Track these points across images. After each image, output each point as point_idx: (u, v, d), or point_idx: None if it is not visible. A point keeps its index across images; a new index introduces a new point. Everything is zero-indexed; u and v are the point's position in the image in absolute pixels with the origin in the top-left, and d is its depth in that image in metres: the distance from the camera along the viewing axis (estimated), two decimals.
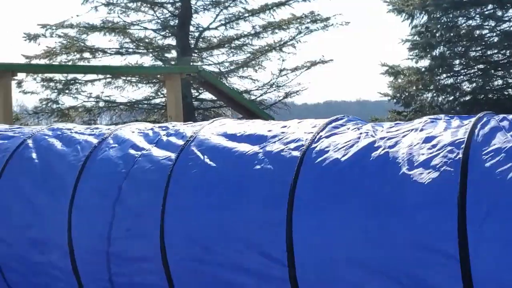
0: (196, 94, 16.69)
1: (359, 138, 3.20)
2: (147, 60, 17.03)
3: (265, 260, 3.14)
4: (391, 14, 19.05)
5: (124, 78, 16.68)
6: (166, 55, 16.88)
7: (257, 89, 16.88)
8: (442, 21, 18.45)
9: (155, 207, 3.52)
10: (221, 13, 16.75)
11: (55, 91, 16.38)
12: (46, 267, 3.91)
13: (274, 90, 16.77)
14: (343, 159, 3.11)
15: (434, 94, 18.76)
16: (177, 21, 16.81)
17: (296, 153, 3.26)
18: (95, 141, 4.09)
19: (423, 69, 18.37)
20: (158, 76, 16.24)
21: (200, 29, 16.87)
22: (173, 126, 3.99)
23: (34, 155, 4.22)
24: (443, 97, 18.73)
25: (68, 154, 4.09)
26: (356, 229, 2.95)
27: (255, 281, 3.18)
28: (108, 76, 16.48)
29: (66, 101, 16.62)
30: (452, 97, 18.68)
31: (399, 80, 18.82)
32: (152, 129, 4.03)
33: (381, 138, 3.14)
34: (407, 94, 18.56)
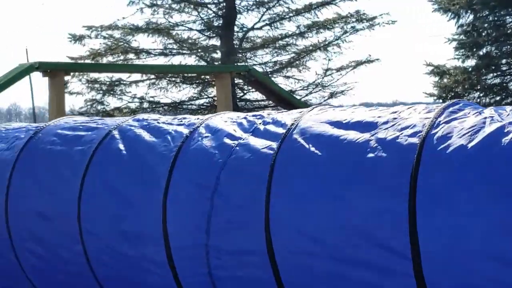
0: (241, 94, 16.57)
1: (484, 123, 3.00)
2: (191, 61, 16.98)
3: (386, 253, 2.96)
4: (436, 13, 18.76)
5: (168, 79, 16.64)
6: (210, 55, 16.79)
7: (302, 89, 16.70)
8: (489, 19, 18.10)
9: (258, 198, 3.36)
10: (265, 13, 16.62)
11: (100, 92, 16.41)
12: (139, 260, 3.78)
13: (319, 90, 16.57)
14: (469, 145, 2.91)
15: (481, 94, 18.40)
16: (221, 22, 16.73)
17: (414, 140, 3.07)
18: (185, 131, 3.95)
19: (469, 69, 18.04)
20: (202, 76, 16.16)
21: (245, 29, 16.75)
22: (268, 115, 3.83)
23: (121, 146, 4.11)
24: (490, 97, 18.37)
25: (158, 144, 3.96)
26: (488, 218, 2.75)
27: (375, 275, 2.99)
28: (152, 77, 16.46)
29: (111, 102, 16.65)
30: (499, 97, 18.30)
31: (445, 80, 18.49)
32: (245, 118, 3.88)
33: (510, 123, 2.93)
34: (453, 94, 18.22)
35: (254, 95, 16.60)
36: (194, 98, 17.01)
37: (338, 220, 3.11)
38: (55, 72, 10.41)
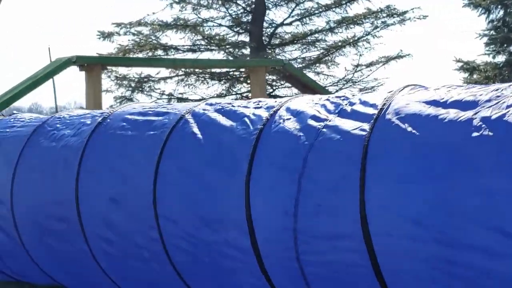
0: (270, 90, 16.44)
1: None
2: (219, 57, 16.87)
3: (496, 235, 2.81)
4: (466, 8, 18.52)
5: (197, 75, 16.54)
6: (239, 51, 16.69)
7: (332, 85, 16.54)
8: None
9: (352, 180, 3.23)
10: (295, 8, 16.48)
11: (129, 89, 16.34)
12: (220, 246, 3.67)
13: (350, 85, 16.41)
14: None
15: None
16: (250, 18, 16.61)
17: None
18: (265, 114, 3.83)
19: (500, 65, 17.81)
20: (231, 72, 16.06)
21: (274, 25, 16.63)
22: (353, 96, 3.70)
23: (196, 130, 4.00)
24: None
25: (236, 128, 3.84)
26: None
27: (484, 259, 2.85)
28: (181, 73, 16.38)
29: (140, 98, 16.57)
30: None
31: (475, 76, 18.26)
32: (328, 99, 3.76)
33: None
34: None
35: (284, 91, 16.48)
36: (223, 95, 16.90)
37: (442, 202, 2.98)
38: (92, 66, 10.35)
